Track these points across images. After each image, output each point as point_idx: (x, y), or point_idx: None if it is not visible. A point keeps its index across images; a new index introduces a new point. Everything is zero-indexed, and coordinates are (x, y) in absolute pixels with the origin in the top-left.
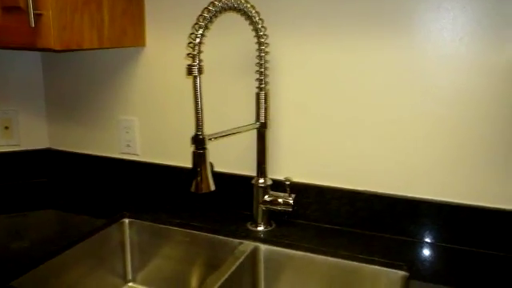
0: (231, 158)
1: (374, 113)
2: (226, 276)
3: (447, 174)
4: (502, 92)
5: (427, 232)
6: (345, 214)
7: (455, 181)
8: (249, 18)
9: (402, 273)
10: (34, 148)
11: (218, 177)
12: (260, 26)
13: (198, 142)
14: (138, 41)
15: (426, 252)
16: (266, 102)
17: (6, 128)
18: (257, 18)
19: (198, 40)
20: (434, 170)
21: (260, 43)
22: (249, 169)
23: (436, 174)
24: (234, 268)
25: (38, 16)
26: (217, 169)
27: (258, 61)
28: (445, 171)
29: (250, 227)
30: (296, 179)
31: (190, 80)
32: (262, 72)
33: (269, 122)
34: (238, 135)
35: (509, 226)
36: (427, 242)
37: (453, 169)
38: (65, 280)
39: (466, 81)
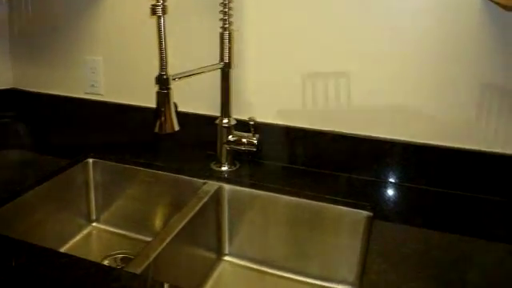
0: (195, 98)
1: (339, 54)
2: (190, 216)
3: (412, 115)
4: (469, 31)
5: (391, 172)
6: (309, 155)
7: (420, 121)
8: None
9: (365, 213)
10: None
11: (183, 117)
12: None
13: (162, 81)
14: None
15: (390, 192)
16: (229, 42)
17: None
18: None
19: None
20: (399, 110)
21: None
22: (213, 109)
23: (400, 115)
24: (197, 208)
25: None
26: (181, 109)
27: (222, 0)
28: (409, 111)
29: (214, 167)
30: (260, 119)
31: (154, 20)
32: (225, 12)
33: (233, 62)
34: (202, 75)
35: (473, 166)
36: (391, 182)
37: (417, 109)
38: (28, 221)
39: (431, 20)
